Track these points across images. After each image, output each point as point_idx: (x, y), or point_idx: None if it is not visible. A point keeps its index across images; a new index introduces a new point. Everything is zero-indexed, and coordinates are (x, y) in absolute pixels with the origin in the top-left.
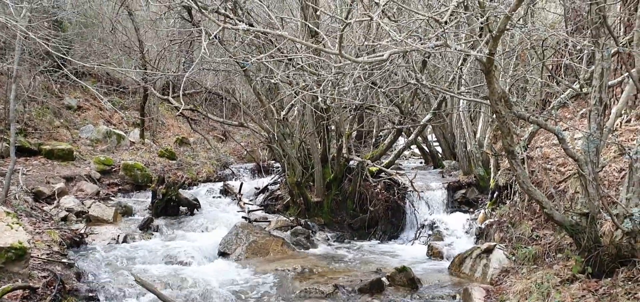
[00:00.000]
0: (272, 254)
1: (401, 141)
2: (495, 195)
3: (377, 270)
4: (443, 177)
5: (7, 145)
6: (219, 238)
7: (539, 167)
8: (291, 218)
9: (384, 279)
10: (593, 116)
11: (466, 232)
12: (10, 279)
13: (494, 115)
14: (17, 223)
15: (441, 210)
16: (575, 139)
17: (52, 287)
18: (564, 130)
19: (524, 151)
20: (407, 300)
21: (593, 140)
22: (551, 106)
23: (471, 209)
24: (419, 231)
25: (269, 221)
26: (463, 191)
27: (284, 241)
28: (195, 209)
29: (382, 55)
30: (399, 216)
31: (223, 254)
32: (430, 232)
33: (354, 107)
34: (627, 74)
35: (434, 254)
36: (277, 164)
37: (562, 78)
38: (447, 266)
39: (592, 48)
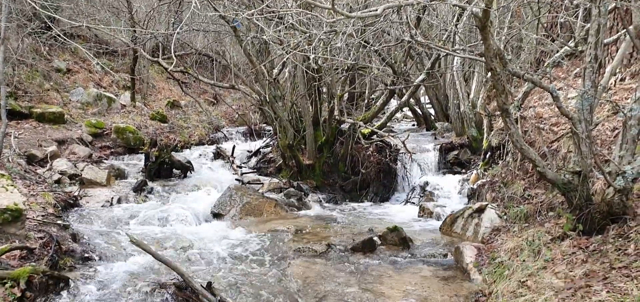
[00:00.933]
0: (265, 215)
1: (393, 103)
2: (487, 156)
3: (369, 230)
4: (435, 139)
5: None
6: (212, 200)
7: (532, 127)
8: (284, 181)
9: (376, 238)
10: (588, 74)
11: (458, 193)
12: (7, 240)
13: (488, 75)
14: (12, 185)
15: (433, 172)
16: (569, 98)
17: (49, 248)
18: (558, 89)
19: (518, 111)
20: (399, 258)
21: (587, 98)
22: (546, 64)
23: (463, 171)
24: (410, 193)
25: (262, 184)
26: (455, 153)
27: (277, 203)
28: (188, 172)
29: (376, 10)
30: (390, 178)
31: (217, 215)
32: (422, 193)
33: (346, 67)
34: (623, 31)
35: (426, 214)
36: (269, 127)
37: (558, 35)
38: (438, 226)
39: (589, 3)
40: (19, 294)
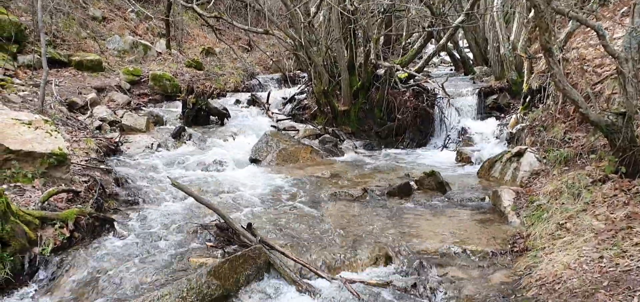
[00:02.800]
0: (301, 161)
1: (431, 47)
2: (527, 99)
3: (406, 175)
4: (474, 83)
5: (39, 56)
6: (249, 146)
7: (575, 69)
8: (319, 127)
9: (412, 183)
10: (637, 10)
11: (496, 137)
12: (54, 183)
13: (530, 16)
14: (56, 131)
15: (471, 116)
16: (615, 38)
17: (93, 191)
18: (604, 28)
19: (561, 52)
20: (436, 202)
21: (635, 36)
22: (592, 2)
23: (502, 115)
24: (448, 138)
25: (297, 130)
26: (494, 97)
27: (312, 149)
28: (225, 119)
29: None
30: (427, 124)
31: (254, 161)
32: (460, 138)
33: (382, 9)
34: None
35: (463, 159)
36: (304, 74)
37: None
38: (476, 171)
39: None
40: (67, 234)
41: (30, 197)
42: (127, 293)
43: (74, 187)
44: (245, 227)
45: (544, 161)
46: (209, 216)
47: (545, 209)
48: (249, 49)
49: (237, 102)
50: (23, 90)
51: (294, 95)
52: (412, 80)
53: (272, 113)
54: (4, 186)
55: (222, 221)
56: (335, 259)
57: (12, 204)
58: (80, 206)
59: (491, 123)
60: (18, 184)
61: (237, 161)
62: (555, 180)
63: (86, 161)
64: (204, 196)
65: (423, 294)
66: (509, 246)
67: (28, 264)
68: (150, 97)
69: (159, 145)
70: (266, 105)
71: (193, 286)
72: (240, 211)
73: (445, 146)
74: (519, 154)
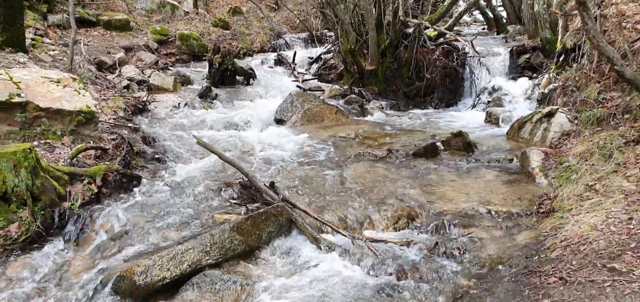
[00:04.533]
0: (326, 121)
1: (462, 4)
2: (561, 58)
3: (432, 136)
4: (506, 42)
5: (67, 15)
6: (274, 106)
7: (613, 26)
8: (345, 87)
9: (438, 144)
10: None
11: (528, 98)
12: (82, 140)
13: None
14: (84, 89)
15: (503, 76)
16: None
17: (121, 148)
18: None
19: (598, 9)
20: (462, 163)
21: None
22: None
23: (534, 75)
24: (477, 98)
25: (323, 90)
26: (527, 56)
27: (338, 109)
28: (251, 79)
29: None
30: (457, 83)
31: (279, 121)
32: (490, 98)
33: None
34: None
35: (493, 120)
36: (331, 33)
37: None
38: (505, 131)
39: None
40: (95, 190)
41: (60, 153)
42: (153, 247)
43: (102, 145)
44: (268, 185)
45: (576, 121)
46: (233, 174)
47: (575, 170)
48: (276, 8)
49: (263, 62)
50: (53, 50)
51: (321, 54)
52: (441, 38)
53: (298, 73)
54: (35, 143)
55: (245, 179)
56: (357, 218)
57: (42, 160)
58: (108, 162)
59: (523, 83)
60: (48, 141)
61: (262, 121)
62: (587, 141)
63: (114, 119)
64: (228, 155)
65: (444, 254)
66: (535, 207)
67: (58, 218)
68: (177, 57)
69: (185, 105)
70: (292, 66)
71: (216, 240)
72: (264, 170)
73: (474, 107)
74: (550, 115)
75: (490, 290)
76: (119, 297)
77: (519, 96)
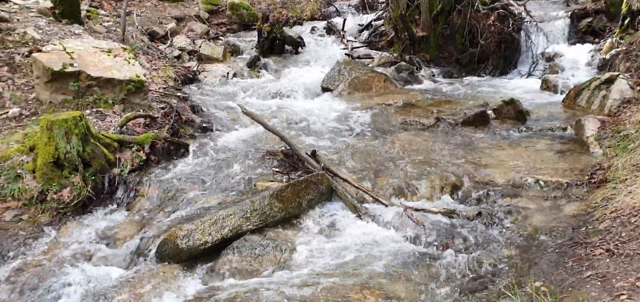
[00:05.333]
0: (374, 90)
1: None
2: (626, 21)
3: (483, 104)
4: (567, 5)
5: None
6: (322, 75)
7: None
8: (395, 54)
9: (489, 112)
10: None
11: (587, 64)
12: (132, 109)
13: None
14: (134, 58)
15: (561, 41)
16: None
17: (170, 117)
18: None
19: None
20: (513, 132)
21: None
22: None
23: (596, 40)
24: (534, 65)
25: (372, 58)
26: (589, 20)
27: (386, 77)
28: (299, 47)
29: None
30: (512, 49)
31: (326, 90)
32: (547, 65)
33: None
34: None
35: (548, 87)
36: None
37: None
38: (561, 99)
39: None
40: (144, 157)
41: (111, 122)
42: (197, 211)
43: (151, 113)
44: (310, 154)
45: (638, 88)
46: (277, 142)
47: (632, 139)
48: None
49: (313, 30)
50: (107, 21)
51: (371, 21)
52: (497, 2)
53: (347, 41)
54: (87, 111)
55: (288, 147)
56: (399, 187)
57: (93, 127)
58: (156, 131)
59: (583, 49)
60: (100, 109)
61: (308, 90)
62: None
63: (164, 88)
64: (273, 124)
65: (487, 223)
66: (587, 178)
67: (108, 184)
68: (227, 27)
69: (234, 75)
70: (341, 33)
71: (256, 207)
72: (308, 139)
73: (530, 74)
74: (610, 81)
75: (532, 260)
76: (163, 261)
77: (578, 62)
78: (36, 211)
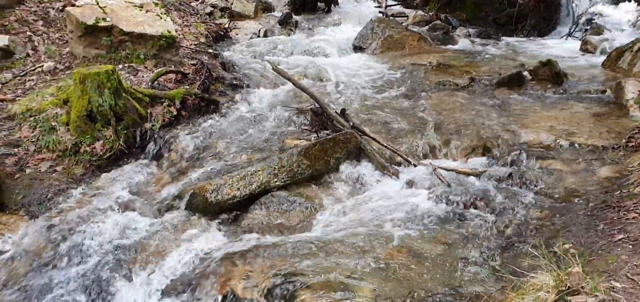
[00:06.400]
0: (407, 49)
1: None
2: None
3: (519, 65)
4: None
5: None
6: (354, 33)
7: None
8: (430, 13)
9: (525, 73)
10: None
11: (633, 25)
12: (164, 64)
13: None
14: (166, 14)
15: (605, 1)
16: None
17: (200, 73)
18: None
19: None
20: (549, 94)
21: None
22: None
23: None
24: (574, 26)
25: (406, 16)
26: None
27: (420, 36)
28: (332, 5)
29: None
30: (552, 9)
31: (358, 48)
32: (588, 26)
33: None
34: None
35: (589, 49)
36: None
37: None
38: (601, 61)
39: None
40: (175, 113)
41: (142, 77)
42: (227, 167)
43: (182, 69)
44: (339, 112)
45: None
46: (307, 101)
47: None
48: None
49: None
50: None
51: None
52: None
53: None
54: (119, 66)
55: (317, 105)
56: (429, 147)
57: (125, 82)
58: (187, 87)
59: (628, 8)
60: (132, 64)
61: (340, 48)
62: None
63: (195, 44)
64: (303, 82)
65: (518, 185)
66: (624, 141)
67: (139, 138)
68: None
69: (265, 32)
70: None
71: (284, 164)
72: (339, 98)
73: (570, 35)
74: None
75: (562, 223)
76: (192, 213)
77: (621, 23)
78: (70, 162)
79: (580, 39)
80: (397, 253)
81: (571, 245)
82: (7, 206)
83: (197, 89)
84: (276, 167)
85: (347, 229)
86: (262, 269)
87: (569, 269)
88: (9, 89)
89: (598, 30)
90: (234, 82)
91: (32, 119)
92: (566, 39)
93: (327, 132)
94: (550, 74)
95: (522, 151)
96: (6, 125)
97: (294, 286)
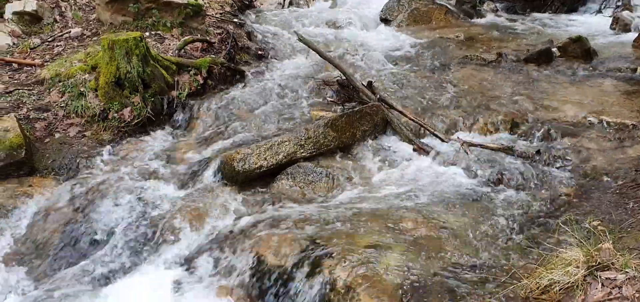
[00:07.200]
0: (434, 22)
1: None
2: None
3: (548, 41)
4: None
5: None
6: (380, 5)
7: None
8: None
9: (554, 49)
10: None
11: None
12: (190, 32)
13: None
14: None
15: None
16: None
17: (226, 43)
18: None
19: None
20: (578, 71)
21: None
22: None
23: None
24: (605, 1)
25: None
26: None
27: (448, 10)
28: None
29: None
30: None
31: (384, 21)
32: (619, 2)
33: None
34: None
35: (620, 26)
36: None
37: None
38: (632, 38)
39: None
40: (201, 81)
41: (169, 44)
42: (252, 137)
43: (208, 38)
44: (366, 84)
45: None
46: (332, 72)
47: None
48: None
49: None
50: None
51: None
52: None
53: None
54: (146, 34)
55: (343, 77)
56: (456, 122)
57: (152, 49)
58: (213, 55)
59: None
60: (158, 32)
61: (366, 20)
62: None
63: (221, 14)
64: (329, 53)
65: (546, 162)
66: None
67: (166, 106)
68: None
69: (290, 2)
70: None
71: (310, 135)
72: (364, 70)
73: (600, 11)
74: None
75: (590, 200)
76: (219, 181)
77: None
78: (98, 128)
79: (610, 16)
80: (423, 225)
81: (600, 222)
82: (38, 170)
83: (223, 58)
84: (303, 138)
85: (373, 200)
86: (289, 237)
87: (600, 245)
88: (38, 54)
89: (630, 6)
90: (259, 52)
91: (61, 84)
92: (596, 15)
93: (353, 104)
94: (580, 50)
95: (551, 128)
96: (35, 90)
97: (321, 254)
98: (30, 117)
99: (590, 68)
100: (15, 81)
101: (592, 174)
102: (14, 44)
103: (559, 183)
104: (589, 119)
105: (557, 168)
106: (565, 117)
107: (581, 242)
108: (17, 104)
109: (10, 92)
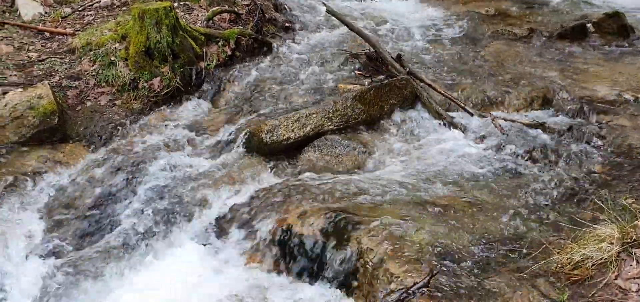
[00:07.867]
0: None
1: None
2: None
3: (583, 17)
4: None
5: None
6: None
7: None
8: None
9: (588, 25)
10: None
11: None
12: (218, 3)
13: None
14: None
15: None
16: None
17: (254, 14)
18: None
19: None
20: (612, 48)
21: None
22: None
23: None
24: None
25: None
26: None
27: None
28: None
29: None
30: None
31: None
32: None
33: None
34: None
35: None
36: None
37: None
38: None
39: None
40: (229, 53)
41: (197, 15)
42: (280, 109)
43: (236, 9)
44: (395, 57)
45: None
46: (360, 45)
47: None
48: None
49: None
50: None
51: None
52: None
53: None
54: (175, 4)
55: (372, 50)
56: (486, 97)
57: (181, 20)
58: (241, 27)
59: None
60: (186, 2)
61: None
62: None
63: None
64: (357, 25)
65: (578, 139)
66: None
67: (195, 76)
68: None
69: None
70: None
71: (338, 108)
72: (392, 43)
73: None
74: None
75: (623, 178)
76: (248, 152)
77: None
78: (129, 97)
79: None
80: (452, 200)
81: (634, 200)
82: (70, 137)
83: (251, 29)
84: (330, 110)
85: (401, 174)
86: (316, 208)
87: (636, 222)
88: (69, 23)
89: None
90: (287, 25)
91: (92, 53)
92: None
93: (382, 77)
94: (616, 26)
95: (584, 104)
96: (67, 58)
97: (348, 225)
98: (63, 85)
99: (626, 45)
100: (48, 50)
101: (626, 152)
102: (46, 12)
103: (591, 160)
104: (624, 96)
105: (590, 145)
106: (599, 94)
107: (617, 218)
108: (49, 72)
109: (43, 60)
